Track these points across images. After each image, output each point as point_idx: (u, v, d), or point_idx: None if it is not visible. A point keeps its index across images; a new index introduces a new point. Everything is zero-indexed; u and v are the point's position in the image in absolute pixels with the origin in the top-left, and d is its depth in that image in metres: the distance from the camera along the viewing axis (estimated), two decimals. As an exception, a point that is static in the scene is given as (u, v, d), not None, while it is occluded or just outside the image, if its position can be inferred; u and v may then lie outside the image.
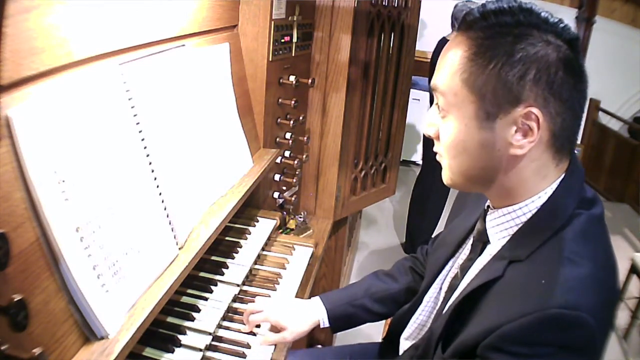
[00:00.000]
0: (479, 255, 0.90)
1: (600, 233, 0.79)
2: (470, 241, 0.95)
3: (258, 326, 1.18)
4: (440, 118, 0.82)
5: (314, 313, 1.19)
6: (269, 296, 1.29)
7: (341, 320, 1.21)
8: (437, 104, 0.82)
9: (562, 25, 0.75)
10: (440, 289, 1.03)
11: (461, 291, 0.86)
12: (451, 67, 0.78)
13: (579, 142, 5.32)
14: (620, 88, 5.13)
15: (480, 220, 0.90)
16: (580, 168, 0.82)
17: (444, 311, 0.93)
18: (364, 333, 2.31)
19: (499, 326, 0.72)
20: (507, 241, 0.82)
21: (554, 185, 0.79)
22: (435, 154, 0.86)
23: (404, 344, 1.10)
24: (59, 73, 0.79)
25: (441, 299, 1.01)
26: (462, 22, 0.79)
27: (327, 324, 1.19)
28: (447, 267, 1.02)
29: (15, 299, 0.63)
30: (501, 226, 0.84)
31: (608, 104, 5.03)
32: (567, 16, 4.76)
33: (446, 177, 0.85)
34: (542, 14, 0.75)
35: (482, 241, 0.89)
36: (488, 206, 0.89)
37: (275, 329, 1.17)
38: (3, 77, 0.66)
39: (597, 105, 5.06)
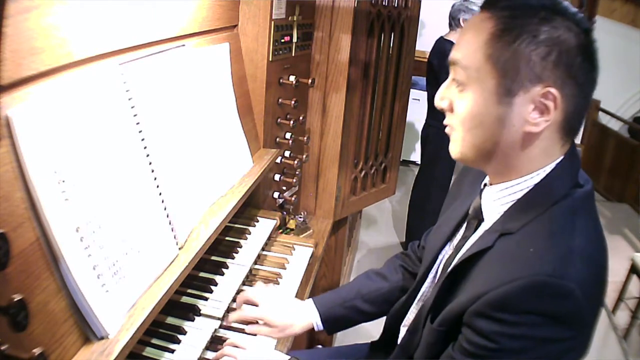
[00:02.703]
0: (473, 232, 0.92)
1: (589, 210, 0.82)
2: (465, 223, 0.97)
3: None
4: (457, 92, 0.83)
5: (307, 316, 1.19)
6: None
7: (334, 322, 1.21)
8: (453, 78, 0.84)
9: (580, 15, 0.78)
10: (437, 271, 1.03)
11: (452, 264, 0.88)
12: (475, 42, 0.79)
13: (578, 142, 5.33)
14: (620, 88, 5.12)
15: (477, 197, 0.92)
16: (578, 155, 0.85)
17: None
18: (365, 333, 2.31)
19: (485, 292, 0.74)
20: (500, 216, 0.84)
21: (552, 165, 0.81)
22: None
23: (404, 331, 1.10)
24: (59, 73, 0.79)
25: (437, 279, 1.01)
26: None
27: (321, 327, 1.20)
28: (443, 251, 1.03)
29: (15, 299, 0.63)
30: (497, 202, 0.86)
31: (608, 104, 5.03)
32: (567, 16, 4.74)
33: (456, 150, 0.86)
34: (564, 3, 0.78)
35: (478, 218, 0.91)
36: (485, 184, 0.91)
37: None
38: (3, 77, 0.66)
39: (597, 105, 5.05)
